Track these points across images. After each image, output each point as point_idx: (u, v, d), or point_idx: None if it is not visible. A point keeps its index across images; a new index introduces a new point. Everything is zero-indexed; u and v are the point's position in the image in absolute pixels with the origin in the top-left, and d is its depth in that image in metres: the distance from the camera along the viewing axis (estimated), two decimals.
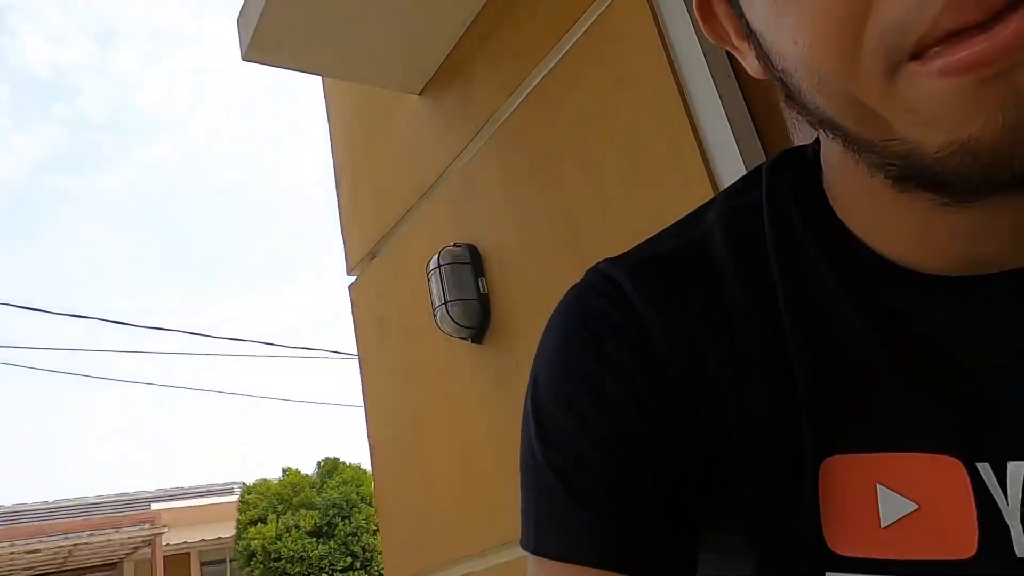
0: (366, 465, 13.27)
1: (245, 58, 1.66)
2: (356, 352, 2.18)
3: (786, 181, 0.43)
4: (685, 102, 1.20)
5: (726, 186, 1.16)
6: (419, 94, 1.90)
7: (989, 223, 0.33)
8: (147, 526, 12.93)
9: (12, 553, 11.93)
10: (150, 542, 13.11)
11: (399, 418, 1.91)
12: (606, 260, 0.45)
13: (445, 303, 1.59)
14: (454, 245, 1.68)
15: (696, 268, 0.42)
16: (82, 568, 14.63)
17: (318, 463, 13.48)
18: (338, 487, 12.29)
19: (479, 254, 1.65)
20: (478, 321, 1.60)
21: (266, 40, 1.62)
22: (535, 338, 1.46)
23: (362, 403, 2.13)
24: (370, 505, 12.32)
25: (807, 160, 0.43)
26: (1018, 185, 0.28)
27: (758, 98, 1.18)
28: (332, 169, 2.28)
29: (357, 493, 12.33)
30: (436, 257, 1.64)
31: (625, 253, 0.45)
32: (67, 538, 12.39)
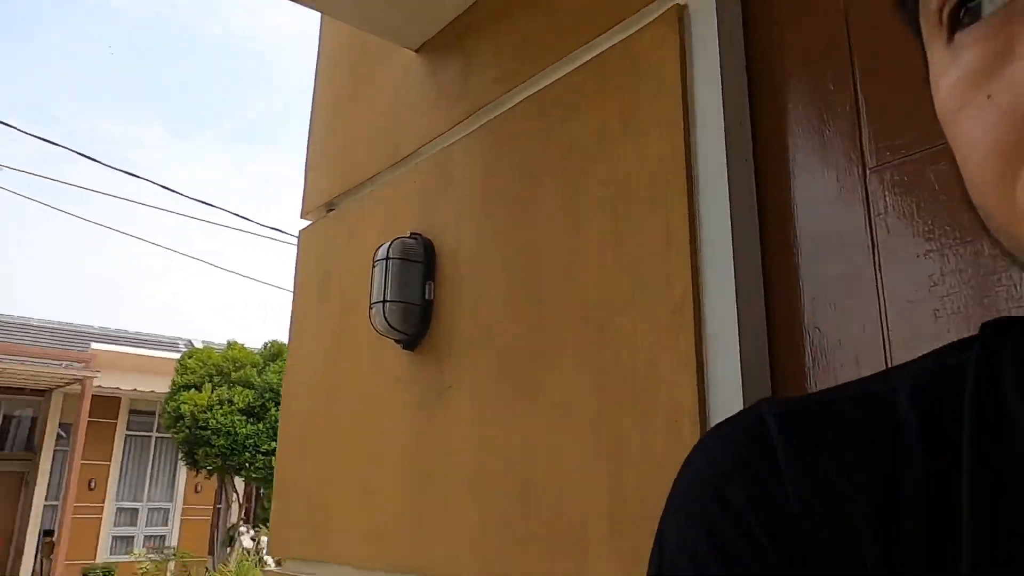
0: None
1: None
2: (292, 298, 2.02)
3: (1007, 343, 0.37)
4: (689, 169, 1.03)
5: (707, 275, 1.02)
6: (416, 51, 1.69)
7: None
8: (82, 366, 12.86)
9: None
10: (82, 381, 13.07)
11: (314, 395, 1.78)
12: (767, 400, 0.40)
13: (384, 301, 1.44)
14: (410, 236, 1.51)
15: (866, 422, 0.37)
16: (11, 388, 14.60)
17: (265, 344, 13.42)
18: (278, 372, 12.26)
19: (434, 253, 1.49)
20: (415, 329, 1.45)
21: None
22: (473, 360, 1.30)
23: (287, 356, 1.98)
24: None
25: None
26: None
27: (769, 187, 1.02)
28: (311, 105, 2.06)
29: None
30: (387, 246, 1.47)
31: (795, 397, 0.41)
32: (2, 360, 12.30)
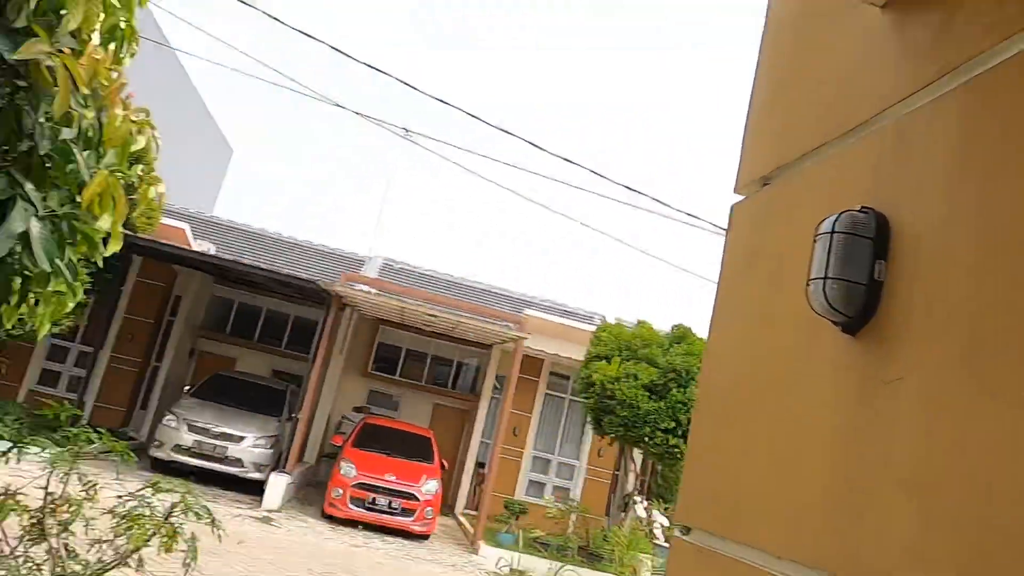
0: None
1: None
2: (718, 275, 2.03)
3: None
4: None
5: None
6: (882, 7, 1.53)
7: None
8: (517, 327, 14.78)
9: (412, 310, 14.73)
10: (516, 341, 15.01)
11: (735, 369, 1.76)
12: None
13: (825, 278, 1.34)
14: (860, 209, 1.38)
15: None
16: (464, 340, 17.51)
17: (672, 326, 13.81)
18: (683, 355, 12.53)
19: (888, 230, 1.34)
20: (858, 311, 1.33)
21: None
22: (928, 351, 1.17)
23: (707, 332, 2.00)
24: None
25: None
26: None
27: None
28: (753, 79, 2.02)
29: (698, 368, 12.48)
30: (833, 220, 1.37)
31: None
32: (459, 314, 14.81)
